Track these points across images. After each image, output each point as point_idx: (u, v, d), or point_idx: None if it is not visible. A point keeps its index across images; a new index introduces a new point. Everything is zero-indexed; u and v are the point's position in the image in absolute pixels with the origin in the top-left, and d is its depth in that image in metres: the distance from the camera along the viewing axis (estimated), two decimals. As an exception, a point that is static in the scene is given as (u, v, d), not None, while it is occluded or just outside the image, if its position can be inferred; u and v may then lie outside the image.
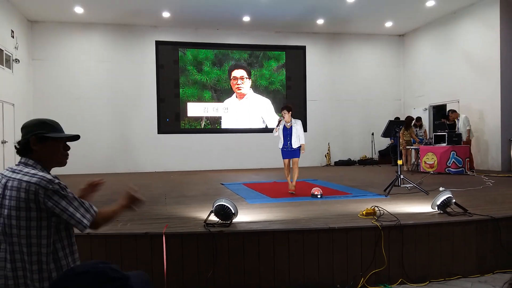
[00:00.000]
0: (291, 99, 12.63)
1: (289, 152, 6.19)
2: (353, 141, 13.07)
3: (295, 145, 6.13)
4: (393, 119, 9.55)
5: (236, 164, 12.10)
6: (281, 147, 6.23)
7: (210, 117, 12.22)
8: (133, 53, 11.67)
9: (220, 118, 12.22)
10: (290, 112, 6.19)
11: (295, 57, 12.72)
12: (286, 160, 6.24)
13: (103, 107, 11.50)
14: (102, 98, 11.50)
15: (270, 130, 11.24)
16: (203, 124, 12.14)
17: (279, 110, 6.01)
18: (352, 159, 12.88)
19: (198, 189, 6.91)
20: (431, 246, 3.90)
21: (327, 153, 12.79)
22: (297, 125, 6.18)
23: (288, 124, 6.18)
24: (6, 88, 9.67)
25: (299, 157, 6.26)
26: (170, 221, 4.13)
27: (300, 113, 12.55)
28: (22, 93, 10.55)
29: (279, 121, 6.25)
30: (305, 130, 12.25)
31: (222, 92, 12.34)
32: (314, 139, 12.63)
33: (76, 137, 1.87)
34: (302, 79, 12.81)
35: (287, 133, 6.13)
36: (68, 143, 1.90)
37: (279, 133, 6.29)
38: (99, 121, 11.42)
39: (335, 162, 12.76)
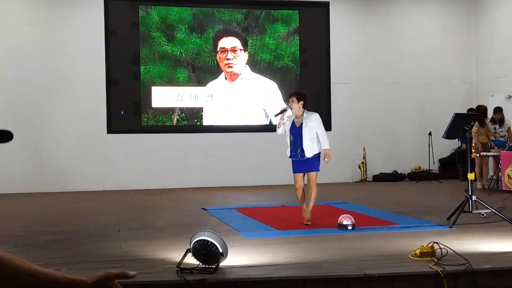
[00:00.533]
0: (308, 81, 12.39)
1: (301, 163, 6.22)
2: (401, 144, 13.03)
3: (309, 152, 6.16)
4: (462, 111, 9.35)
5: (225, 179, 12.10)
6: (289, 155, 6.28)
7: (187, 108, 12.30)
8: (70, 14, 11.70)
9: (201, 110, 12.27)
10: (302, 102, 6.22)
11: (314, 19, 12.64)
12: (298, 176, 6.27)
13: (23, 91, 11.49)
14: (22, 78, 11.45)
15: (275, 128, 10.56)
16: (175, 119, 12.21)
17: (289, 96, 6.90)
18: (399, 172, 12.94)
19: (168, 217, 7.00)
20: (518, 303, 4.05)
21: (362, 162, 12.81)
22: (311, 122, 6.22)
23: (298, 120, 6.20)
24: None
25: (317, 170, 6.30)
26: (126, 264, 4.15)
27: (320, 102, 12.37)
28: None
29: (282, 111, 6.29)
30: (328, 128, 11.55)
31: (204, 71, 12.39)
32: (342, 142, 12.39)
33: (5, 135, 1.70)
34: (324, 53, 12.67)
35: (296, 133, 6.16)
36: None
37: (285, 133, 6.30)
38: (13, 112, 11.33)
39: (373, 177, 12.83)
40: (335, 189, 10.94)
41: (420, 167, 12.95)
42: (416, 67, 13.15)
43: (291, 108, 6.21)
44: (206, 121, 12.30)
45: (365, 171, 12.83)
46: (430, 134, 12.67)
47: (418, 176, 12.74)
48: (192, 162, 12.12)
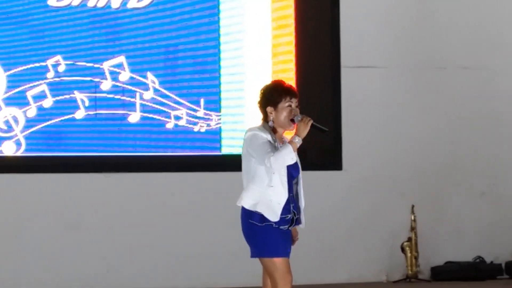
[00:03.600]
0: (284, 61, 10.03)
1: (288, 236, 5.12)
2: (490, 199, 10.65)
3: (302, 218, 5.15)
4: None
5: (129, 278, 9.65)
6: (277, 218, 4.88)
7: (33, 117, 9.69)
8: None
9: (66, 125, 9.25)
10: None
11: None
12: (287, 263, 5.04)
13: None
14: None
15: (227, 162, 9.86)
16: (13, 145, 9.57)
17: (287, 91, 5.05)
18: (487, 261, 10.22)
19: None
20: None
21: (409, 240, 10.02)
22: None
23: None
24: None
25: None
26: None
27: (317, 105, 9.97)
28: None
29: (301, 120, 5.04)
30: (335, 164, 10.18)
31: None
32: (364, 194, 10.17)
33: None
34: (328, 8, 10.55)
35: (293, 175, 5.08)
36: None
37: (279, 176, 5.02)
38: None
39: (433, 270, 10.12)
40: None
41: (534, 251, 10.40)
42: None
43: (298, 114, 5.02)
44: (69, 147, 9.16)
45: (416, 259, 9.96)
46: (553, 179, 10.14)
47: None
48: (43, 239, 9.21)
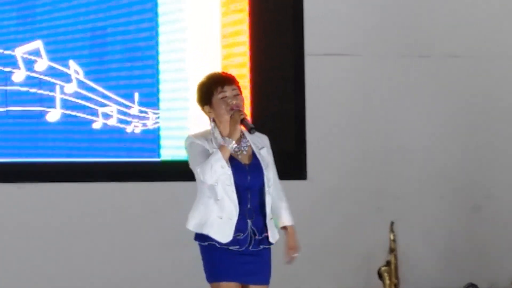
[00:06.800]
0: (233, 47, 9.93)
1: (247, 260, 4.93)
2: (487, 214, 10.35)
3: (274, 232, 5.07)
4: None
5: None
6: (228, 239, 4.90)
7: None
8: None
9: None
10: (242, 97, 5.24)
11: None
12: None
13: None
14: None
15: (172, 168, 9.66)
16: None
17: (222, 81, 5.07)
18: None
19: None
20: None
21: (387, 263, 9.78)
22: (267, 154, 5.21)
23: (238, 148, 5.12)
24: None
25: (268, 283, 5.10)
26: None
27: (275, 100, 10.10)
28: None
29: (242, 119, 5.11)
30: (299, 170, 10.02)
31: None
32: (335, 208, 9.92)
33: None
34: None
35: (248, 181, 5.03)
36: None
37: (222, 187, 4.97)
38: None
39: None
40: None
41: (543, 277, 10.10)
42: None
43: (241, 112, 4.98)
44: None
45: (396, 286, 9.84)
46: None
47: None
48: None
